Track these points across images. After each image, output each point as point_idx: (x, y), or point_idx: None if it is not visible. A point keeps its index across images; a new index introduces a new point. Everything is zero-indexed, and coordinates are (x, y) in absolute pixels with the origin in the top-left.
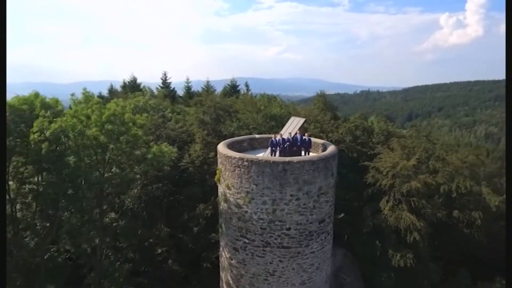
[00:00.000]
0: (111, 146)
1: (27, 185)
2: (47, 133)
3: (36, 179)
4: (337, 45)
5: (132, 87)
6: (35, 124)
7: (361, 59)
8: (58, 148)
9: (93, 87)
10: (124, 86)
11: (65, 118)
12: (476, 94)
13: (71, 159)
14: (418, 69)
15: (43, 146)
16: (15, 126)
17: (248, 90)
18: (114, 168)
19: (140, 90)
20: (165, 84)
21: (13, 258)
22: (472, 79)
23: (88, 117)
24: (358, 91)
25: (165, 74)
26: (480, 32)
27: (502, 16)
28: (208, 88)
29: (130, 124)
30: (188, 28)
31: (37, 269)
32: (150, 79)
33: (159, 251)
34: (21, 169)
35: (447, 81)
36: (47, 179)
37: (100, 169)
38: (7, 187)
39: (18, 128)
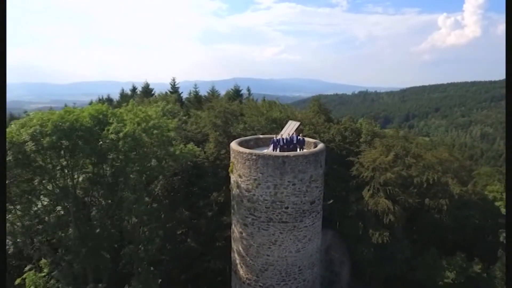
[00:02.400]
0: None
1: (83, 175)
2: (121, 135)
3: (92, 169)
4: (335, 46)
5: (146, 92)
6: (111, 128)
7: (359, 59)
8: (126, 145)
9: (91, 88)
10: (134, 89)
11: (130, 124)
12: (472, 95)
13: (131, 153)
14: (416, 69)
15: (120, 144)
16: (94, 129)
17: (249, 94)
18: (146, 162)
19: (153, 95)
20: (174, 89)
21: (79, 229)
22: (469, 79)
23: (139, 124)
24: (356, 92)
25: (173, 80)
26: (478, 33)
27: (499, 17)
28: (213, 92)
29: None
30: (187, 28)
31: (97, 237)
32: (149, 79)
33: (179, 232)
34: (81, 162)
35: (445, 81)
36: (109, 168)
37: (140, 162)
38: (73, 178)
39: (95, 131)
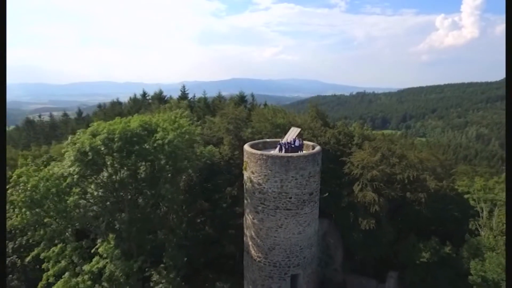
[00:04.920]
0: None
1: (127, 171)
2: (166, 141)
3: (134, 167)
4: (334, 46)
5: (159, 98)
6: (158, 136)
7: (357, 60)
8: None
9: (89, 88)
10: (144, 94)
11: (171, 132)
12: (468, 96)
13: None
14: (414, 70)
15: (166, 147)
16: (142, 136)
17: (253, 99)
18: (179, 161)
19: (166, 101)
20: (184, 95)
21: (130, 213)
22: (466, 80)
23: (173, 130)
24: (354, 93)
25: (183, 87)
26: (476, 34)
27: (497, 18)
28: (220, 99)
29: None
30: (185, 29)
31: (141, 220)
32: (147, 79)
33: (198, 220)
34: (126, 161)
35: (443, 82)
36: (149, 166)
37: (176, 161)
38: (119, 175)
39: (143, 137)
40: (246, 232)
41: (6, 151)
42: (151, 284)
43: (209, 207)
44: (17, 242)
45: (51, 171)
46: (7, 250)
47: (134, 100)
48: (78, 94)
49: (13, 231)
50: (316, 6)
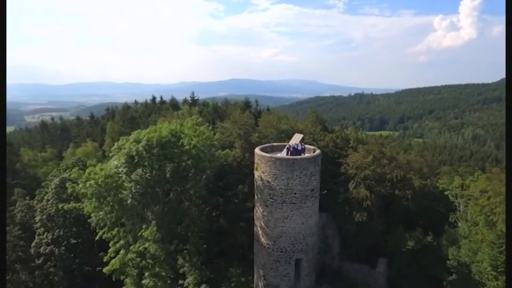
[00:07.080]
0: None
1: (155, 171)
2: (191, 145)
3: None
4: (332, 47)
5: (172, 105)
6: (185, 141)
7: (355, 61)
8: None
9: (88, 89)
10: (154, 99)
11: (195, 138)
12: (465, 97)
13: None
14: (412, 71)
15: (193, 151)
16: (173, 142)
17: (257, 105)
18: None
19: (179, 108)
20: (194, 101)
21: (164, 205)
22: (463, 82)
23: (196, 136)
24: (352, 94)
25: (193, 93)
26: (474, 35)
27: (494, 19)
28: (227, 105)
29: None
30: (184, 29)
31: (171, 211)
32: (146, 80)
33: (214, 214)
34: (160, 163)
35: (441, 83)
36: (174, 166)
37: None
38: (153, 174)
39: (174, 143)
40: (256, 223)
41: (22, 152)
42: (177, 266)
43: (222, 202)
44: (55, 233)
45: (112, 171)
46: (46, 240)
47: (145, 105)
48: (77, 95)
49: (48, 224)
50: (314, 7)
